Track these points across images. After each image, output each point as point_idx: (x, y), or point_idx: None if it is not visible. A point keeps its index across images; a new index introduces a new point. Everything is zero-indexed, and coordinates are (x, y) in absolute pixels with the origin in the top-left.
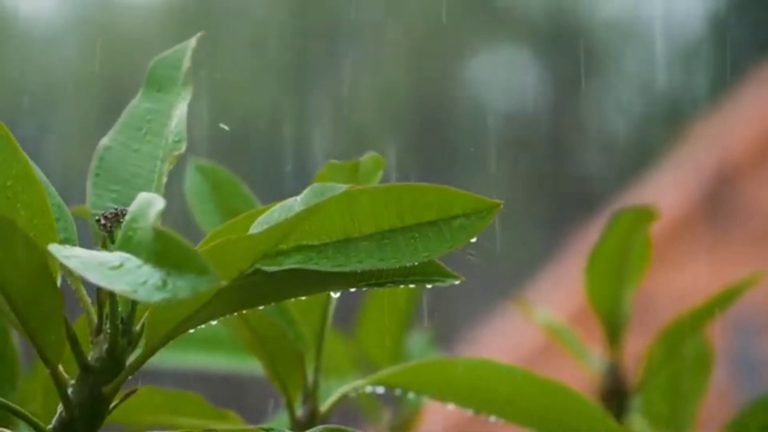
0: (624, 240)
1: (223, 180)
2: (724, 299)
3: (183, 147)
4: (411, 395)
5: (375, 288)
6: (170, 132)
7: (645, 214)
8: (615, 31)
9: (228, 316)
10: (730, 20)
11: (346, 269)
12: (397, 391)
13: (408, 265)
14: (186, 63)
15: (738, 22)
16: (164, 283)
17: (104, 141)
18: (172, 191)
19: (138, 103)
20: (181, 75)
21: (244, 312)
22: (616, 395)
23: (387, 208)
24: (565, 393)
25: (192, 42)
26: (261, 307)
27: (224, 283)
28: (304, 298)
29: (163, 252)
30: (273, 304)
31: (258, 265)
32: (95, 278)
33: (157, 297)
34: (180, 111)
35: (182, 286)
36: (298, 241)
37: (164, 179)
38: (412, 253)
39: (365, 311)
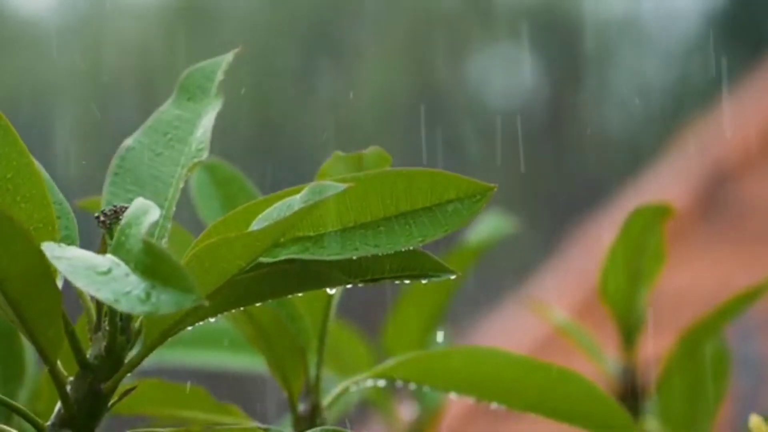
0: (639, 238)
1: (228, 176)
2: (742, 301)
3: (204, 155)
4: (412, 386)
5: (371, 283)
6: (195, 139)
7: (660, 212)
8: (613, 30)
9: (227, 312)
10: (728, 19)
11: (342, 257)
12: (399, 383)
13: (403, 249)
14: (220, 75)
15: (735, 21)
16: (147, 296)
17: (128, 142)
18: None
19: (167, 109)
20: (213, 86)
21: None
22: (631, 397)
23: (382, 195)
24: (566, 375)
25: (229, 56)
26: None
27: (206, 303)
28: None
29: (151, 265)
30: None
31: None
32: (81, 283)
33: (139, 309)
34: (207, 120)
35: (165, 302)
36: (294, 233)
37: (182, 184)
38: (407, 238)
39: (393, 315)
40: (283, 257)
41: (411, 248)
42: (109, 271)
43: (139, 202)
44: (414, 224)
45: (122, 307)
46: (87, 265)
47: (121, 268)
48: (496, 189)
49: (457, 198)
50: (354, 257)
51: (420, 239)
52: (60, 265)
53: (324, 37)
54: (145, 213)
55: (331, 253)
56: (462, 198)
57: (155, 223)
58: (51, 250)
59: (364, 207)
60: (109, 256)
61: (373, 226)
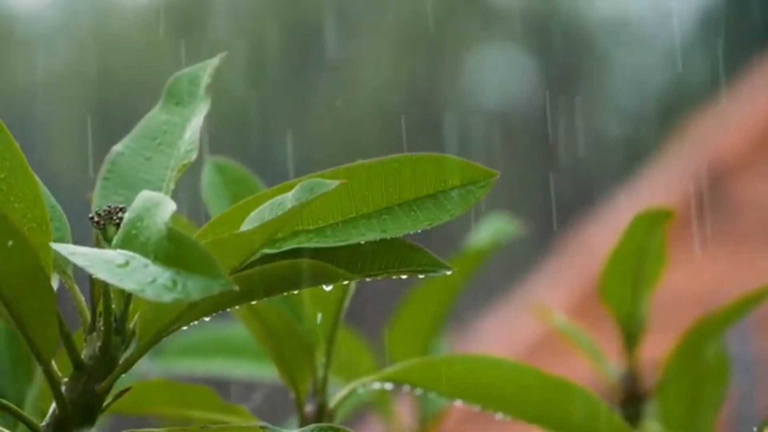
0: (641, 242)
1: (239, 177)
2: (745, 305)
3: (194, 156)
4: (419, 391)
5: (369, 279)
6: (184, 142)
7: (661, 216)
8: (610, 29)
9: (232, 309)
10: (724, 19)
11: (349, 243)
12: (406, 388)
13: (411, 232)
14: (206, 79)
15: (730, 21)
16: (174, 284)
17: (117, 147)
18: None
19: (155, 115)
20: (200, 90)
21: (254, 305)
22: (632, 400)
23: (386, 183)
24: (571, 389)
25: (215, 60)
26: (272, 301)
27: (236, 288)
28: (315, 292)
29: (175, 252)
30: (284, 298)
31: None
32: (104, 275)
33: (167, 297)
34: (195, 123)
35: (193, 288)
36: (293, 228)
37: (172, 186)
38: (414, 223)
39: (397, 319)
40: (287, 247)
41: (410, 244)
42: (127, 264)
43: (147, 194)
44: (419, 210)
45: (148, 295)
46: (105, 259)
47: (138, 259)
48: (498, 175)
49: (461, 184)
50: (362, 242)
51: (427, 223)
52: (77, 260)
53: (318, 35)
54: (156, 204)
55: (337, 240)
56: (466, 184)
57: (173, 213)
58: (63, 248)
59: (367, 197)
60: (118, 250)
61: (376, 215)
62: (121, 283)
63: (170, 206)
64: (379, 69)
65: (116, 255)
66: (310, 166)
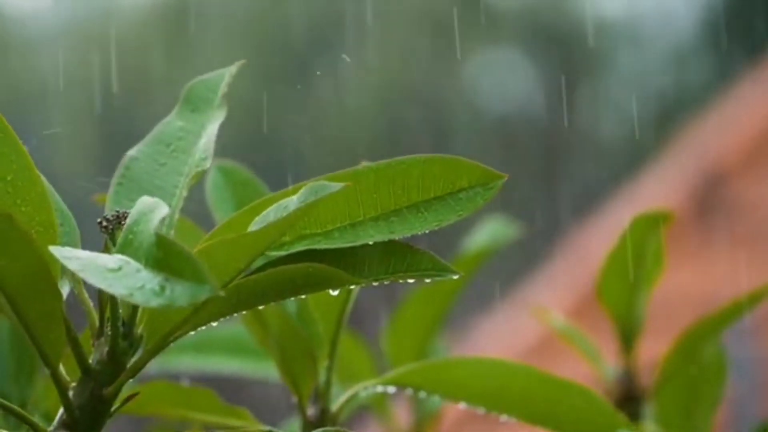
0: (639, 244)
1: (243, 180)
2: (742, 306)
3: (208, 164)
4: (422, 394)
5: (374, 283)
6: (198, 149)
7: (659, 218)
8: (609, 31)
9: (235, 314)
10: (722, 23)
11: (357, 244)
12: (409, 391)
13: (419, 233)
14: (224, 88)
15: (729, 24)
16: (162, 289)
17: (132, 152)
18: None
19: (171, 121)
20: (217, 98)
21: (257, 308)
22: (629, 401)
23: (394, 185)
24: (575, 390)
25: (232, 68)
26: (275, 305)
27: (222, 294)
28: (319, 297)
29: (163, 258)
30: (286, 301)
31: (266, 252)
32: (94, 280)
33: (154, 302)
34: (210, 130)
35: (180, 294)
36: (300, 232)
37: (185, 193)
38: (422, 224)
39: (395, 321)
40: (295, 250)
41: (416, 248)
42: (119, 268)
43: (145, 200)
44: (427, 211)
45: (137, 300)
46: (97, 263)
47: (131, 264)
48: (506, 177)
49: (469, 186)
50: (370, 242)
51: (435, 224)
52: (71, 264)
53: (317, 38)
54: (152, 210)
55: (345, 241)
56: (474, 185)
57: (164, 219)
58: (60, 252)
59: (374, 199)
60: (116, 255)
61: (384, 217)
62: (110, 288)
63: (162, 212)
64: (377, 69)
65: (110, 259)
66: (312, 169)
